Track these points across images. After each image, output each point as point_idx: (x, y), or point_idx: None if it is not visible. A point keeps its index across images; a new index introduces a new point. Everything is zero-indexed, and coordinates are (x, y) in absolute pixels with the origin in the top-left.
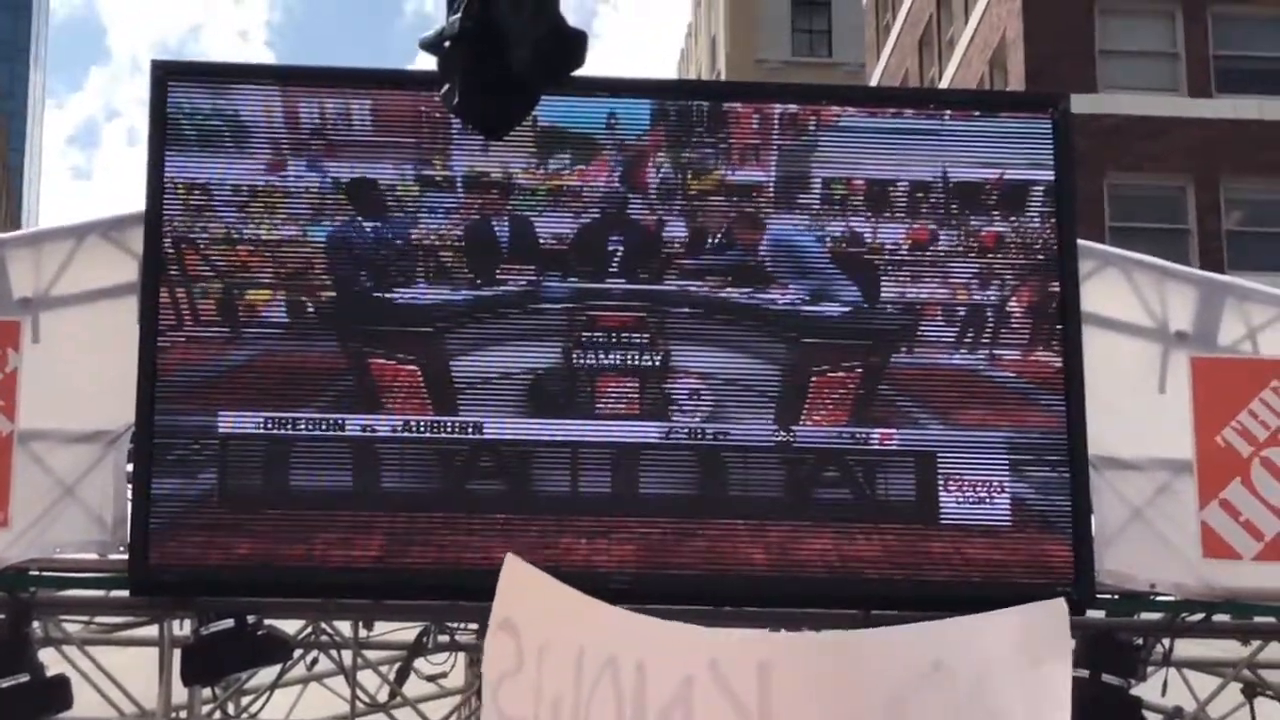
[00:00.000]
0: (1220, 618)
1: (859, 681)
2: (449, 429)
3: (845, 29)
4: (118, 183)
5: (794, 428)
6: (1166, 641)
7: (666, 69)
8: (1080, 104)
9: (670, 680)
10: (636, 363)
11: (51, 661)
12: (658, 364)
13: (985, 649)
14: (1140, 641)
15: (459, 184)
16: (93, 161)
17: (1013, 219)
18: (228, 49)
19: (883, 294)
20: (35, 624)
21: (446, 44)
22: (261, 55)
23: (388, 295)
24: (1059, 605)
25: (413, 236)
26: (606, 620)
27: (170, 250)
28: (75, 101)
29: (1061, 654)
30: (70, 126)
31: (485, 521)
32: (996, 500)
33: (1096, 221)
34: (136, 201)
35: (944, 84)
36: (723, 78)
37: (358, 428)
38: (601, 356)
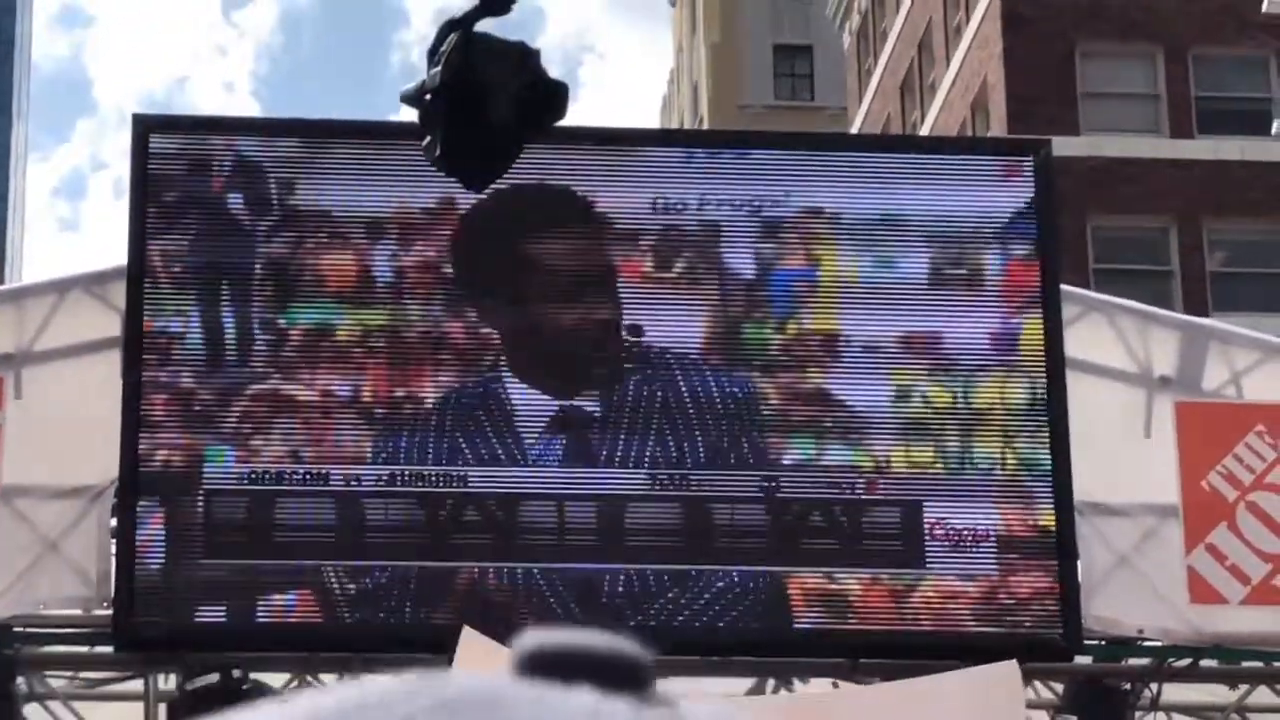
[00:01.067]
0: (1208, 662)
1: None
2: (434, 481)
3: (827, 73)
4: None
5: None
6: (1154, 686)
7: (653, 115)
8: (1062, 146)
9: None
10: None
11: (37, 717)
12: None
13: (934, 713)
14: (1128, 686)
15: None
16: (79, 213)
17: (996, 261)
18: (213, 99)
19: (867, 332)
20: (20, 680)
21: (427, 97)
22: (247, 105)
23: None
24: (1011, 667)
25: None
26: None
27: (153, 301)
28: (61, 153)
29: (1013, 716)
30: (56, 178)
31: (467, 572)
32: (983, 546)
33: (1080, 263)
34: (122, 252)
35: (926, 128)
36: (705, 123)
37: (342, 480)
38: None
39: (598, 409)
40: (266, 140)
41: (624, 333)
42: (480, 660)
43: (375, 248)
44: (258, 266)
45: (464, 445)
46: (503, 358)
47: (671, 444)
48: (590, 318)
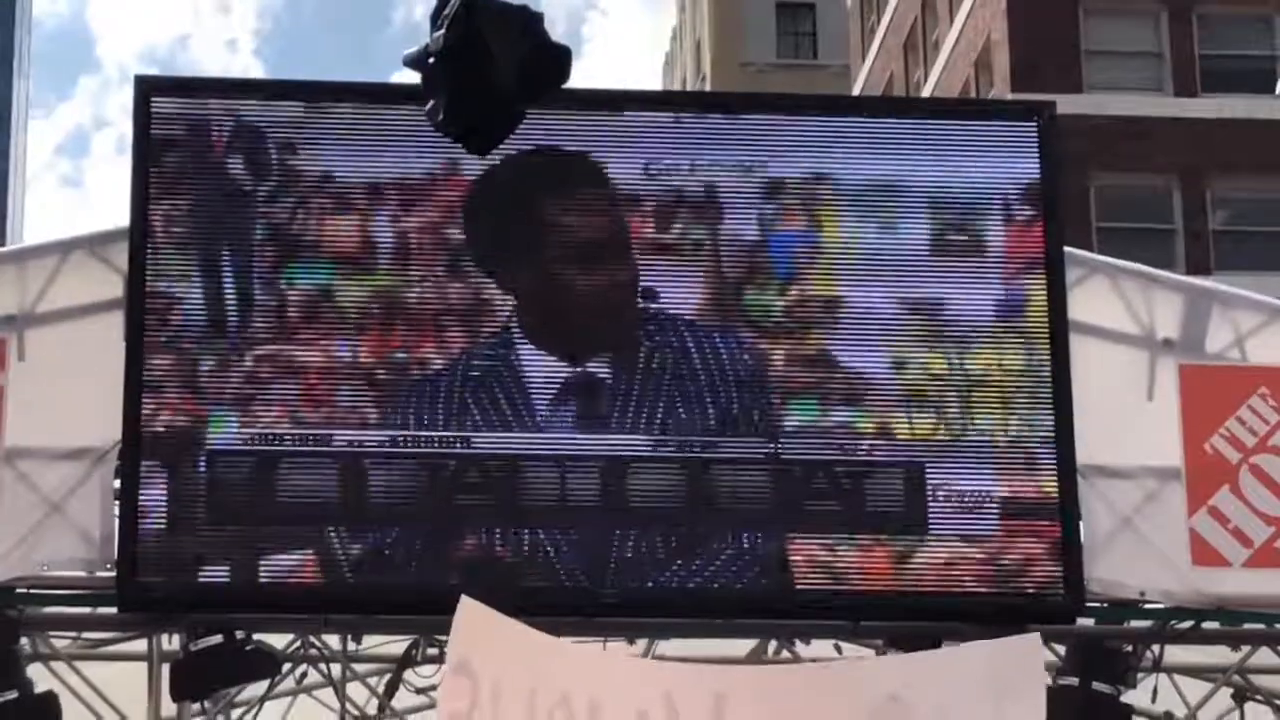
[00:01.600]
0: (1210, 624)
1: (813, 713)
2: (436, 443)
3: (830, 31)
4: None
5: (783, 439)
6: (1156, 648)
7: (656, 73)
8: (1066, 105)
9: (624, 715)
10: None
11: (40, 678)
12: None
13: (949, 683)
14: (1130, 648)
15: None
16: (82, 170)
17: (999, 226)
18: (216, 58)
19: (870, 298)
20: (23, 641)
21: (431, 60)
22: (249, 64)
23: (390, 290)
24: (1033, 640)
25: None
26: (561, 658)
27: (155, 263)
28: (64, 110)
29: (1033, 691)
30: (59, 135)
31: (471, 534)
32: (985, 509)
33: (1083, 222)
34: (126, 211)
35: (929, 86)
36: (708, 81)
37: (345, 441)
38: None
39: (609, 373)
40: (269, 103)
41: (639, 297)
42: (480, 629)
43: (379, 211)
44: (259, 229)
45: (473, 409)
46: (514, 322)
47: (680, 408)
48: (607, 281)
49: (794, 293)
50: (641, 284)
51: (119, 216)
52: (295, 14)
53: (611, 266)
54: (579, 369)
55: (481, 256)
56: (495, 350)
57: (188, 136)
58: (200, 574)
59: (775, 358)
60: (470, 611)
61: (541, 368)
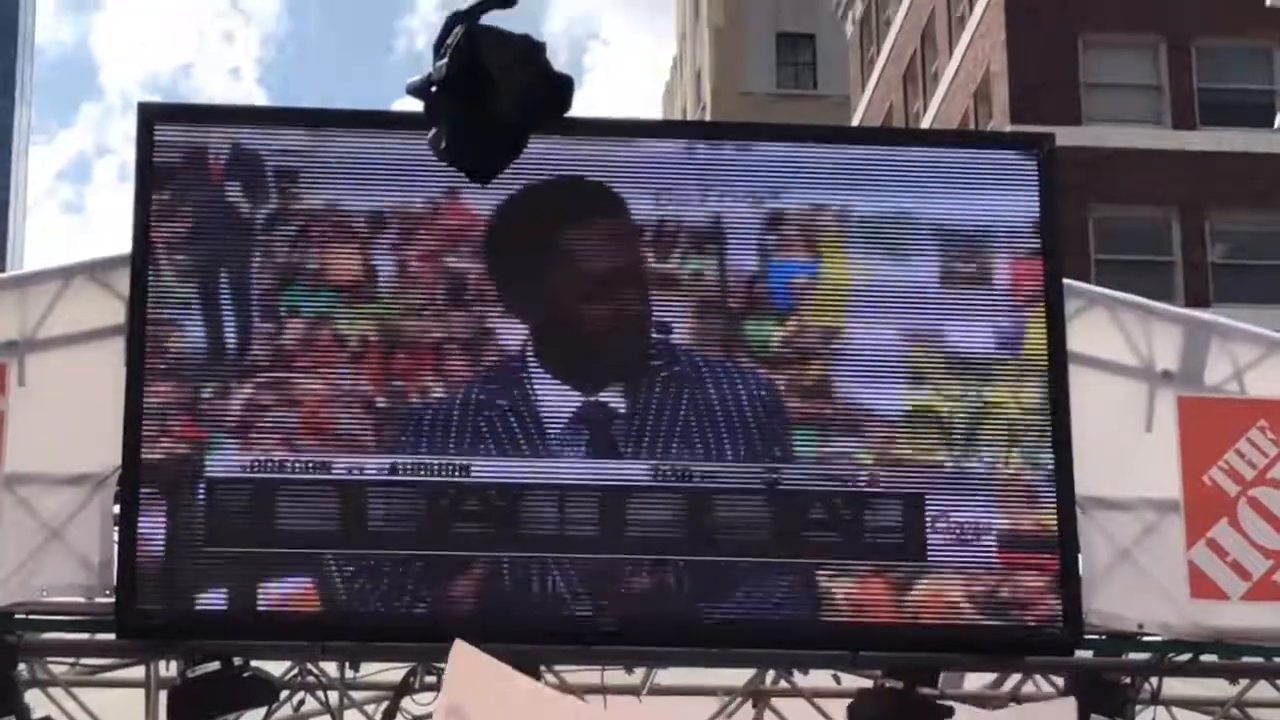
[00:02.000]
0: (1208, 657)
1: None
2: (435, 471)
3: (830, 62)
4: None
5: (782, 469)
6: (1155, 681)
7: (656, 102)
8: (1065, 136)
9: None
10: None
11: (38, 704)
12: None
13: None
14: (1129, 681)
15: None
16: (84, 197)
17: (999, 258)
18: (219, 86)
19: (871, 330)
20: (21, 666)
21: (433, 89)
22: (252, 91)
23: (393, 320)
24: (1069, 704)
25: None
26: (554, 709)
27: (156, 290)
28: (66, 137)
29: None
30: (61, 162)
31: (471, 563)
32: (984, 541)
33: (1081, 254)
34: (127, 237)
35: (929, 117)
36: (708, 111)
37: (344, 469)
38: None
39: (617, 403)
40: (271, 130)
41: (652, 330)
42: (473, 675)
43: (378, 239)
44: (259, 257)
45: (475, 438)
46: (528, 351)
47: (680, 438)
48: (620, 312)
49: (794, 324)
50: (655, 317)
51: (120, 243)
52: (299, 43)
53: (624, 297)
54: (587, 398)
55: (496, 286)
56: (498, 380)
57: (188, 163)
58: (198, 601)
59: (776, 388)
60: (463, 656)
61: (549, 397)
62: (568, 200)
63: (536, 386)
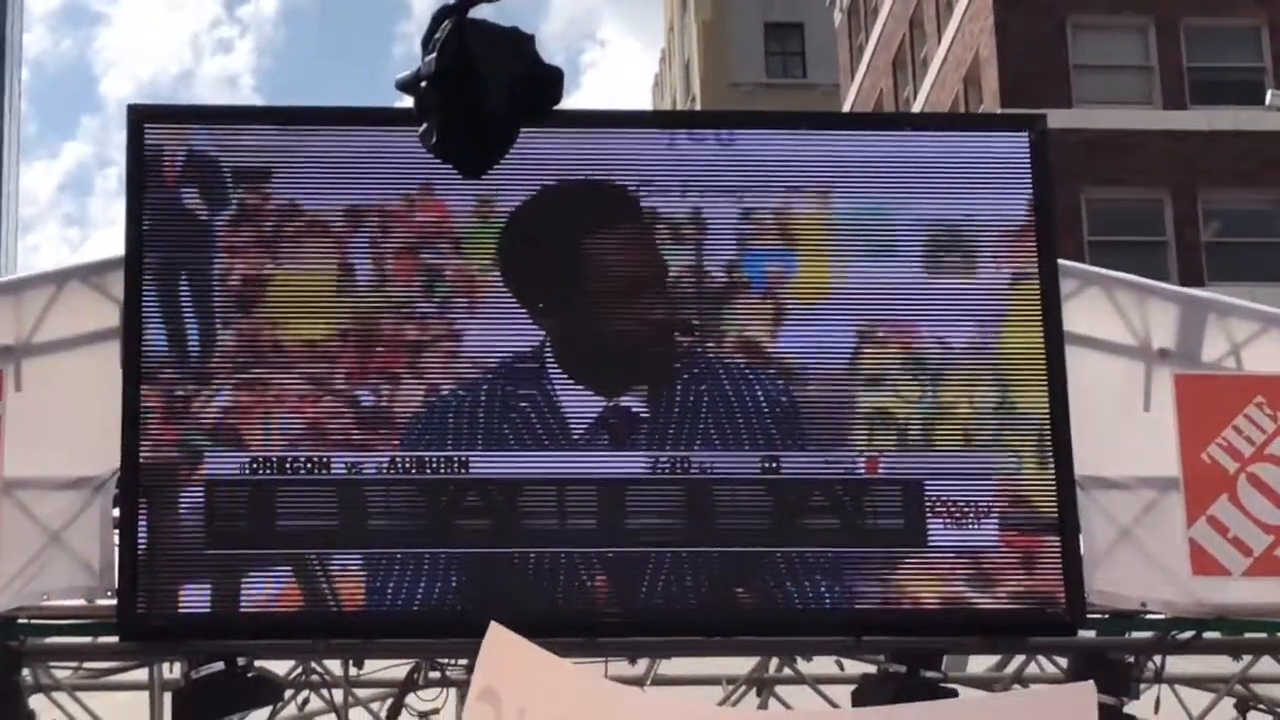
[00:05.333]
0: (1211, 634)
1: None
2: (434, 466)
3: (819, 50)
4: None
5: (780, 457)
6: (1158, 659)
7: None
8: (1056, 119)
9: None
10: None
11: (42, 708)
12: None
13: None
14: (1132, 660)
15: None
16: (85, 209)
17: (993, 240)
18: (218, 95)
19: (865, 315)
20: (25, 671)
21: (423, 84)
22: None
23: (396, 324)
24: (1088, 688)
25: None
26: (587, 690)
27: (152, 290)
28: (68, 150)
29: None
30: (61, 175)
31: (471, 558)
32: (984, 523)
33: (1075, 236)
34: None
35: (919, 103)
36: (697, 102)
37: (343, 466)
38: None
39: (644, 407)
40: (257, 128)
41: (675, 331)
42: (508, 657)
43: (356, 236)
44: (240, 258)
45: (477, 432)
46: (545, 351)
47: (672, 427)
48: (643, 317)
49: (787, 310)
50: (668, 314)
51: (116, 248)
52: (296, 50)
53: (644, 298)
54: (606, 397)
55: (517, 288)
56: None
57: (175, 163)
58: (201, 601)
59: (770, 376)
60: (499, 638)
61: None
62: (596, 204)
63: (557, 386)
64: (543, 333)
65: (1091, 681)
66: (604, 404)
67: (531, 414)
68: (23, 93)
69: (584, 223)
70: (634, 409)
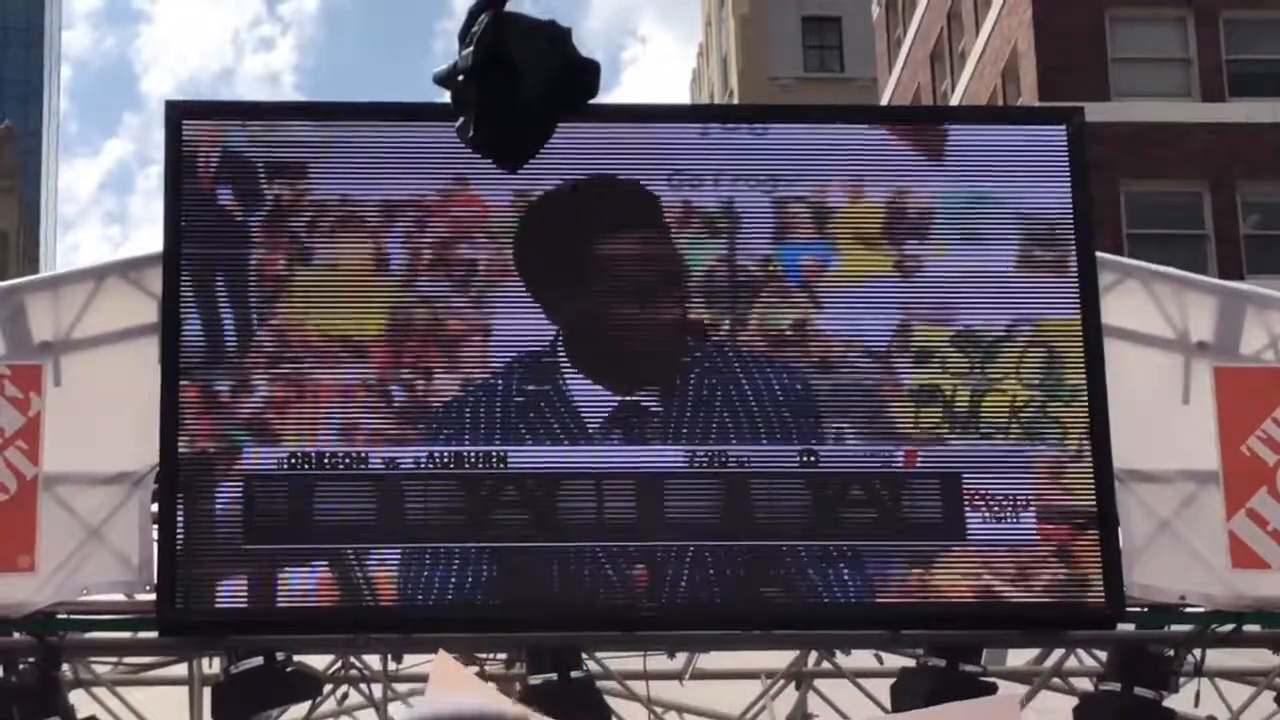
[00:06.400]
0: (1251, 627)
1: None
2: (472, 461)
3: (856, 44)
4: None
5: (818, 449)
6: (1198, 652)
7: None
8: (1094, 112)
9: None
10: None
11: (82, 703)
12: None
13: None
14: (1171, 653)
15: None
16: (126, 207)
17: (1032, 234)
18: (259, 92)
19: (905, 310)
20: (65, 667)
21: (460, 78)
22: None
23: (432, 317)
24: (1011, 703)
25: (448, 256)
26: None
27: (190, 285)
28: (109, 148)
29: None
30: (103, 172)
31: (509, 552)
32: (1023, 516)
33: (1113, 229)
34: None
35: (956, 97)
36: (735, 96)
37: (380, 461)
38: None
39: (657, 400)
40: (293, 123)
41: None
42: (453, 682)
43: (392, 229)
44: (281, 253)
45: (514, 428)
46: (558, 345)
47: (713, 422)
48: (660, 314)
49: (825, 301)
50: (686, 311)
51: (155, 244)
52: (337, 47)
53: (659, 295)
54: (623, 396)
55: (528, 281)
56: (529, 369)
57: (213, 158)
58: (240, 596)
59: (804, 373)
60: (446, 667)
61: (582, 389)
62: (597, 196)
63: (570, 382)
64: (568, 324)
65: (1018, 694)
66: (622, 399)
67: (562, 408)
68: (64, 91)
69: (600, 218)
70: (654, 405)
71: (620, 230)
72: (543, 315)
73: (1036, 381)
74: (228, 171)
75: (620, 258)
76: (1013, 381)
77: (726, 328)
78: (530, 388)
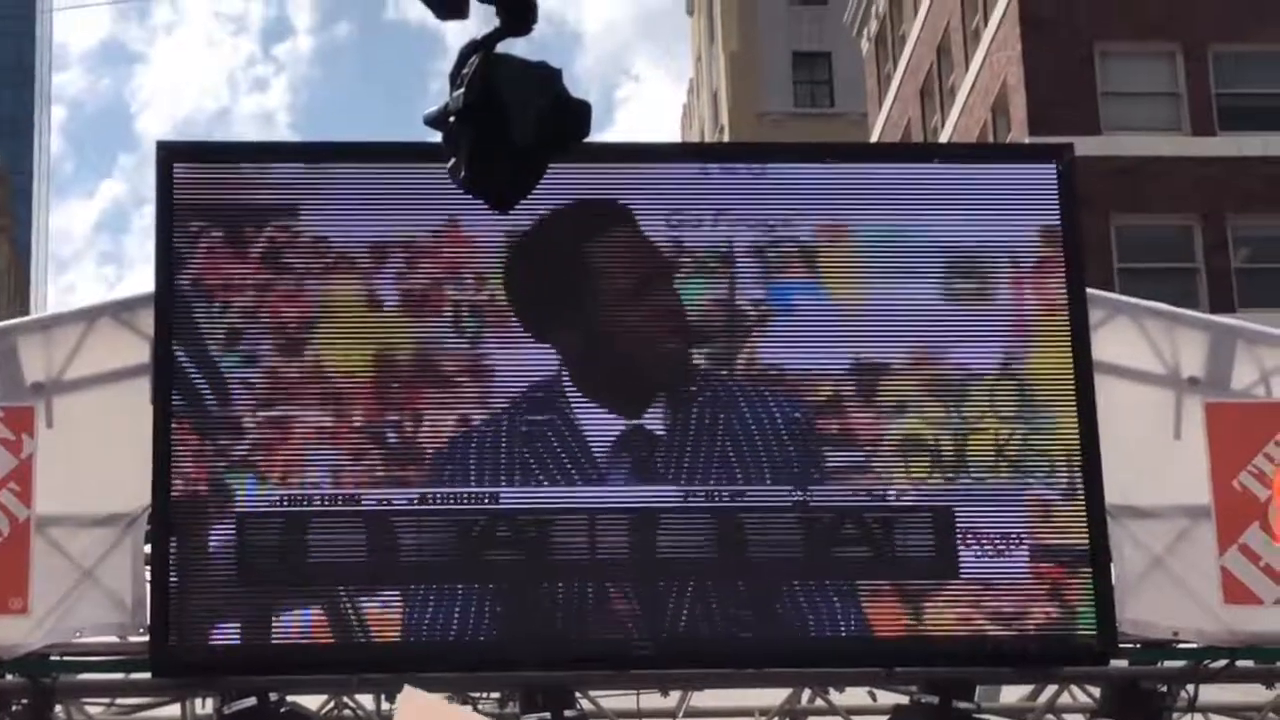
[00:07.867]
0: (1244, 662)
1: None
2: (465, 499)
3: (846, 79)
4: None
5: (810, 487)
6: (1191, 688)
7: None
8: (1084, 146)
9: None
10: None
11: None
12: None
13: None
14: (1164, 689)
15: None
16: (121, 246)
17: (1021, 270)
18: (254, 132)
19: (897, 347)
20: (58, 709)
21: (451, 119)
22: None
23: (425, 357)
24: None
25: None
26: None
27: (182, 326)
28: (104, 188)
29: None
30: (98, 212)
31: (505, 591)
32: (1015, 553)
33: (1104, 263)
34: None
35: (946, 132)
36: (726, 132)
37: (373, 501)
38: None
39: (662, 428)
40: (284, 165)
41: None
42: (423, 715)
43: (383, 270)
44: (271, 294)
45: (506, 466)
46: (565, 378)
47: (703, 458)
48: (660, 343)
49: (818, 342)
50: (684, 344)
51: (146, 285)
52: (331, 87)
53: (655, 324)
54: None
55: (523, 315)
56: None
57: (206, 201)
58: (232, 637)
59: (802, 409)
60: (413, 699)
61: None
62: (588, 226)
63: (577, 412)
64: (559, 360)
65: None
66: (626, 426)
67: (556, 444)
68: (59, 131)
69: (583, 240)
70: (660, 429)
71: (606, 237)
72: (542, 347)
73: (1028, 417)
74: (219, 212)
75: (613, 270)
76: (1004, 417)
77: (724, 360)
78: (537, 418)
